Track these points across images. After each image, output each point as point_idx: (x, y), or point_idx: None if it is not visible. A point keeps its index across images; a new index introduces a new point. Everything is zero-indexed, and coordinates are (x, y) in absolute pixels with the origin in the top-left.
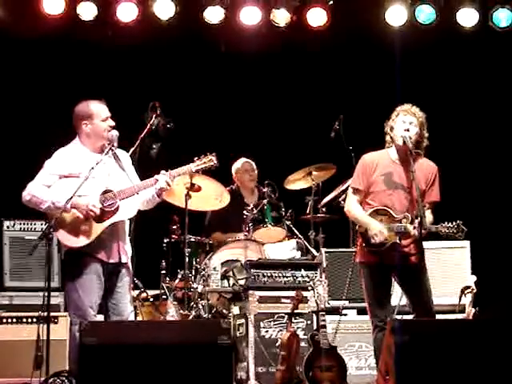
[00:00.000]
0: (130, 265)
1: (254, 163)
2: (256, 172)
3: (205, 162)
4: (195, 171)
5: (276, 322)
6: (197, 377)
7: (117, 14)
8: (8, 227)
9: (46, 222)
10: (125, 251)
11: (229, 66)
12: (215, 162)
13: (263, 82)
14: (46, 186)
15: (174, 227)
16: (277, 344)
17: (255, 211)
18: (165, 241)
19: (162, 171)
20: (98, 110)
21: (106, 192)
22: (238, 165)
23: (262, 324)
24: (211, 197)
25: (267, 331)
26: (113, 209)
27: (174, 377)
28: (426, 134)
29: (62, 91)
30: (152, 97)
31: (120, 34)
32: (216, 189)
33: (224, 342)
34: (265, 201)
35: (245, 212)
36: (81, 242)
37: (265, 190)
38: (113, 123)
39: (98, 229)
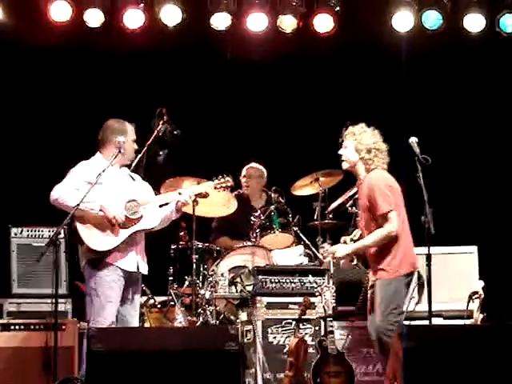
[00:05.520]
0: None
1: (263, 169)
2: (265, 178)
3: (223, 182)
4: (213, 189)
5: (284, 328)
6: (205, 383)
7: (124, 21)
8: (16, 234)
9: (54, 229)
10: (143, 262)
11: (235, 72)
12: (232, 183)
13: (270, 88)
14: (75, 189)
15: (182, 234)
16: (284, 350)
17: (262, 217)
18: (172, 247)
19: (183, 187)
20: (131, 130)
21: (130, 201)
22: (246, 170)
23: (269, 330)
24: (218, 203)
25: (275, 337)
26: (136, 217)
27: (182, 383)
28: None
29: (69, 98)
30: (159, 103)
31: (127, 40)
32: (223, 195)
33: (232, 349)
34: (272, 207)
35: (252, 218)
36: (105, 245)
37: (272, 195)
38: (137, 147)
39: (121, 235)
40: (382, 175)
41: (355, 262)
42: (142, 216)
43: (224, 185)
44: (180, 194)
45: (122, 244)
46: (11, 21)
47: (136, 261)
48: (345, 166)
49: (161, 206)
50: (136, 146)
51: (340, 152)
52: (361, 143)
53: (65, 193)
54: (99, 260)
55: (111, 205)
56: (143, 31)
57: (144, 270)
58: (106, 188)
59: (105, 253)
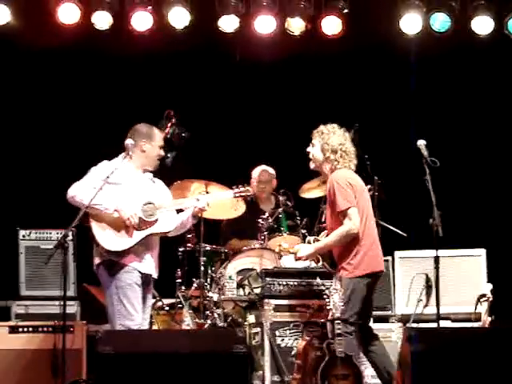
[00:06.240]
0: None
1: (273, 171)
2: (274, 181)
3: (243, 192)
4: (233, 198)
5: (292, 331)
6: None
7: (132, 23)
8: (24, 236)
9: (61, 232)
10: (156, 266)
11: (243, 75)
12: (251, 192)
13: (277, 91)
14: (92, 188)
15: (190, 236)
16: (292, 353)
17: (271, 220)
18: (180, 250)
19: (191, 190)
20: (159, 136)
21: (147, 203)
22: (255, 173)
23: (277, 333)
24: (226, 205)
25: (283, 340)
26: (152, 220)
27: None
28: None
29: (78, 100)
30: (167, 105)
31: (135, 42)
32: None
33: (239, 351)
34: (280, 209)
35: (260, 220)
36: (118, 246)
37: (280, 198)
38: (163, 154)
39: (136, 237)
40: (344, 173)
41: (321, 263)
42: (157, 219)
43: (244, 194)
44: (198, 200)
45: (137, 246)
46: (20, 23)
47: (151, 264)
48: (311, 165)
49: (178, 212)
50: (162, 153)
51: (307, 150)
52: (327, 143)
53: (82, 191)
54: (116, 262)
55: (127, 206)
56: (151, 33)
57: (155, 274)
58: (125, 189)
59: (120, 254)
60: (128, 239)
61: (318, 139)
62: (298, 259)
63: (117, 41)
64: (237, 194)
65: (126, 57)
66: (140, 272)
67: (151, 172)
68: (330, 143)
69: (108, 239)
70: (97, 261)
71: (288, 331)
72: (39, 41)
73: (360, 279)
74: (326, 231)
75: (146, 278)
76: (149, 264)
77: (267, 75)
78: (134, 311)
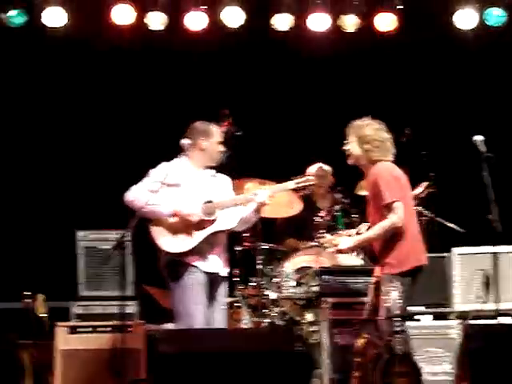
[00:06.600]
0: (226, 278)
1: (329, 168)
2: (330, 177)
3: (304, 181)
4: (293, 189)
5: (350, 329)
6: None
7: (186, 23)
8: (82, 237)
9: (120, 232)
10: (224, 263)
11: (298, 73)
12: (312, 181)
13: (333, 88)
14: (150, 192)
15: (246, 235)
16: (352, 350)
17: (327, 218)
18: (237, 249)
19: (246, 188)
20: (217, 132)
21: (206, 202)
22: (312, 168)
23: (335, 330)
24: (283, 203)
25: (341, 338)
26: (212, 218)
27: None
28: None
29: (135, 101)
30: (222, 104)
31: (189, 42)
32: (288, 195)
33: (298, 350)
34: (337, 207)
35: (317, 218)
36: (180, 247)
37: (337, 196)
38: (223, 149)
39: (197, 237)
40: (387, 166)
41: (361, 257)
42: (217, 217)
43: (305, 183)
44: (256, 194)
45: (200, 245)
46: (77, 25)
47: (217, 262)
48: (350, 161)
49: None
50: (222, 148)
51: (344, 148)
52: (362, 136)
53: (138, 195)
54: (178, 263)
55: (186, 207)
56: (205, 33)
57: (223, 271)
58: (184, 190)
59: (182, 255)
60: (189, 239)
61: (352, 134)
62: (338, 252)
63: (171, 41)
64: (297, 184)
65: (180, 56)
66: (204, 271)
67: (214, 168)
68: (365, 134)
69: (169, 241)
70: (161, 263)
71: (346, 329)
72: (96, 42)
73: (405, 274)
74: (364, 224)
75: (211, 277)
76: (214, 263)
77: (321, 73)
78: (196, 311)
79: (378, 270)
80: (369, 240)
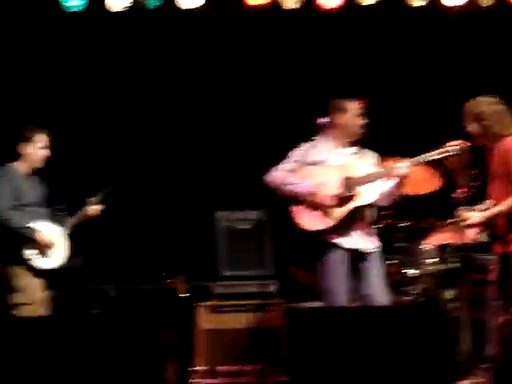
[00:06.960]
0: (377, 252)
1: (468, 144)
2: (468, 156)
3: (444, 151)
4: (434, 160)
5: (492, 305)
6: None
7: (320, 1)
8: (221, 218)
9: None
10: (369, 238)
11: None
12: (453, 152)
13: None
14: (289, 171)
15: (385, 212)
16: (493, 327)
17: (466, 194)
18: (376, 226)
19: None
20: (353, 106)
21: (347, 178)
22: (453, 142)
23: (477, 308)
24: (422, 180)
25: (482, 314)
26: (352, 194)
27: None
28: None
29: (274, 85)
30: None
31: (324, 20)
32: (426, 171)
33: (441, 327)
34: (474, 183)
35: (455, 195)
36: (321, 225)
37: (474, 172)
38: (362, 122)
39: (338, 214)
40: None
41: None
42: (358, 193)
43: (447, 154)
44: (396, 167)
45: (341, 222)
46: (212, 6)
47: (360, 238)
48: (475, 141)
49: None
50: (361, 121)
51: (466, 131)
52: (478, 113)
53: (278, 175)
54: (320, 240)
55: (326, 186)
56: (342, 11)
57: (370, 246)
58: (324, 168)
59: (324, 232)
60: (330, 217)
61: (468, 115)
62: (468, 226)
63: (306, 21)
64: (438, 155)
65: (317, 36)
66: (346, 248)
67: (356, 143)
68: (480, 111)
69: (309, 220)
70: (302, 242)
71: (487, 305)
72: (229, 23)
73: None
74: (490, 200)
75: (355, 254)
76: (356, 239)
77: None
78: (336, 289)
79: (499, 247)
80: (499, 214)
